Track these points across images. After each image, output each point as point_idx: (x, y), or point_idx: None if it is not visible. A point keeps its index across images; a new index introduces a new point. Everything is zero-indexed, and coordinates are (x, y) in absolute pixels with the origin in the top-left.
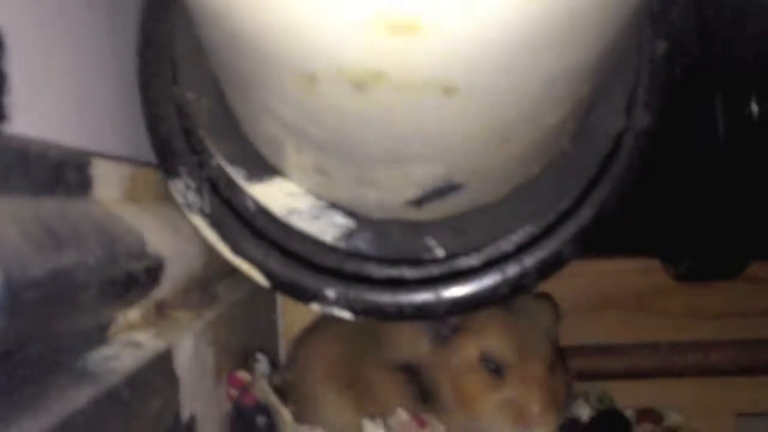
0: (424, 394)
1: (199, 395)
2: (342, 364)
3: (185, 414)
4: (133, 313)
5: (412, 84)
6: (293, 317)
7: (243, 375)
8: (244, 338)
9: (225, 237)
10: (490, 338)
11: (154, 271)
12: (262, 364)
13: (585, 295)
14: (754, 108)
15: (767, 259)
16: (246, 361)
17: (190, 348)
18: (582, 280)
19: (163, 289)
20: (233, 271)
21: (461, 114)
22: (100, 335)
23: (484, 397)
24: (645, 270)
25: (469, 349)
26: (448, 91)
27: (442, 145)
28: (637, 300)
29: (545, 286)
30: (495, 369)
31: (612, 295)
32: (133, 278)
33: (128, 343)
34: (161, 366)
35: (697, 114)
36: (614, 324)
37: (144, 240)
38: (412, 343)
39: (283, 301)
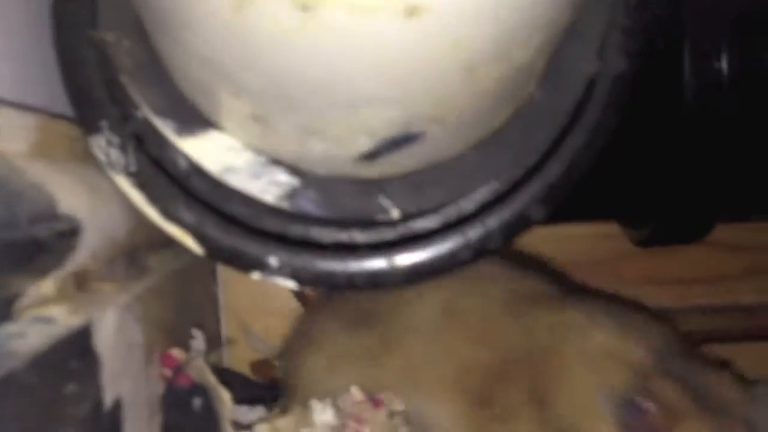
0: None
1: (126, 377)
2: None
3: (108, 398)
4: (47, 286)
5: (368, 4)
6: (235, 290)
7: (177, 354)
8: (180, 314)
9: (153, 199)
10: None
11: (68, 237)
12: (198, 341)
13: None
14: (724, 64)
15: (732, 222)
16: (182, 339)
17: (112, 324)
18: (539, 246)
19: (81, 258)
20: (167, 241)
21: (423, 41)
22: (2, 310)
23: None
24: (602, 235)
25: None
26: (411, 12)
27: (399, 81)
28: (594, 267)
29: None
30: None
31: (567, 263)
32: (41, 243)
33: (37, 320)
34: (77, 344)
35: (663, 68)
36: None
37: (54, 199)
38: (590, 417)
39: (223, 273)
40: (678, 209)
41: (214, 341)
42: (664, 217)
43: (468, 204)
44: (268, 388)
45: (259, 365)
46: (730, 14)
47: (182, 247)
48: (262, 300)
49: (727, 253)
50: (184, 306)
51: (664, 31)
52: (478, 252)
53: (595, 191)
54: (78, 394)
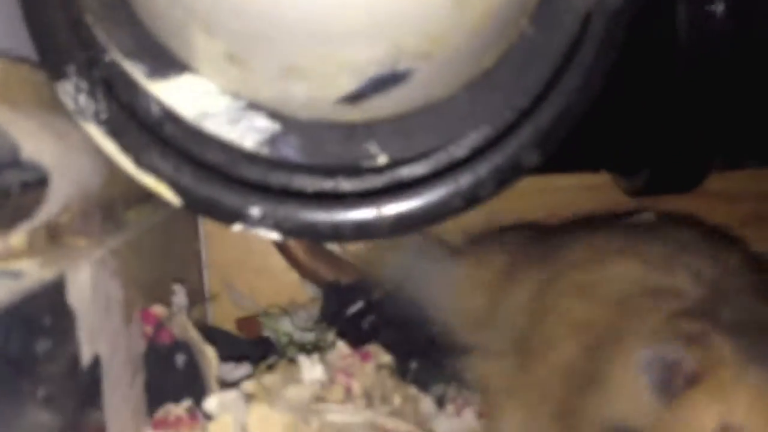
0: None
1: (104, 334)
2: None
3: (86, 356)
4: (15, 239)
5: None
6: (218, 247)
7: (158, 310)
8: (160, 270)
9: (126, 148)
10: (737, 404)
11: (34, 186)
12: (180, 296)
13: (528, 216)
14: (719, 6)
15: (727, 170)
16: (163, 296)
17: (87, 278)
18: (524, 200)
19: (51, 210)
20: (145, 195)
21: None
22: None
23: None
24: (593, 187)
25: (705, 415)
26: None
27: (385, 10)
28: None
29: (484, 206)
30: None
31: (559, 214)
32: (3, 192)
33: (5, 273)
34: (49, 299)
35: (657, 8)
36: None
37: (16, 144)
38: (631, 396)
39: (206, 229)
40: (672, 156)
41: (198, 298)
42: (658, 164)
43: (458, 150)
44: (254, 345)
45: (245, 322)
46: None
47: (161, 201)
48: (246, 257)
49: (725, 203)
50: (165, 262)
51: None
52: (470, 200)
53: (587, 139)
54: (52, 351)
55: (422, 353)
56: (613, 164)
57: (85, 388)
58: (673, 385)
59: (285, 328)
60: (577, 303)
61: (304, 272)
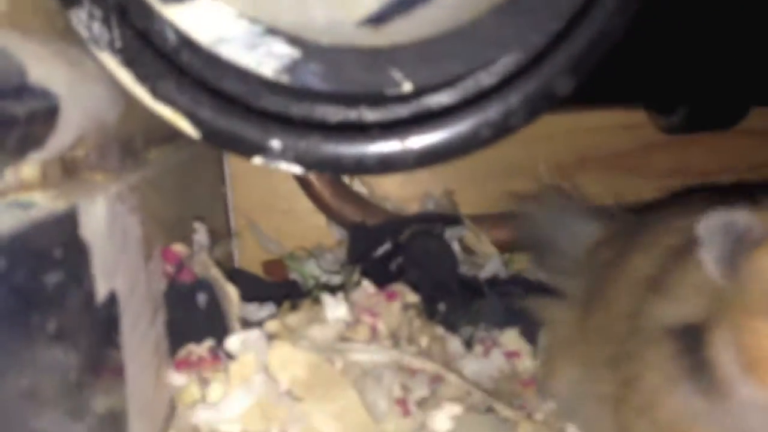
0: (696, 366)
1: (121, 270)
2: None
3: (101, 291)
4: (28, 170)
5: None
6: (244, 189)
7: (179, 248)
8: (182, 209)
9: (142, 77)
10: None
11: (44, 113)
12: (201, 234)
13: (559, 156)
14: None
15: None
16: (185, 236)
17: (102, 212)
18: (554, 140)
19: (64, 141)
20: (168, 135)
21: None
22: None
23: None
24: (626, 126)
25: None
26: None
27: None
28: (617, 159)
29: (513, 143)
30: None
31: (589, 155)
32: (11, 117)
33: (15, 204)
34: (60, 231)
35: None
36: (592, 186)
37: (23, 68)
38: (691, 291)
39: (232, 171)
40: (712, 91)
41: (223, 241)
42: (697, 100)
43: (487, 77)
44: (280, 288)
45: (271, 265)
46: None
47: (183, 141)
48: (273, 199)
49: (760, 140)
50: (187, 202)
51: None
52: (499, 131)
53: (624, 70)
54: (63, 284)
55: (450, 295)
56: (650, 100)
57: (101, 324)
58: (736, 253)
59: (311, 270)
60: (643, 258)
61: (331, 214)
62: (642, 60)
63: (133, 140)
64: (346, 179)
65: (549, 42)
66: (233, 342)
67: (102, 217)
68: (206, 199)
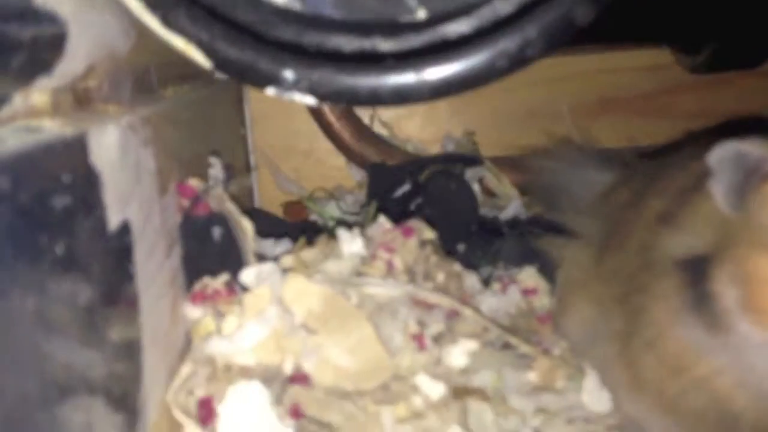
0: (700, 299)
1: (135, 201)
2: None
3: (113, 219)
4: (37, 97)
5: None
6: (264, 131)
7: (195, 183)
8: (199, 146)
9: (152, 6)
10: None
11: (50, 38)
12: (217, 168)
13: (581, 99)
14: None
15: None
16: (202, 171)
17: (114, 141)
18: (576, 82)
19: (73, 69)
20: (185, 73)
21: None
22: None
23: None
24: (650, 67)
25: None
26: None
27: None
28: (641, 102)
29: (535, 85)
30: None
31: (613, 98)
32: (16, 41)
33: (23, 129)
34: (69, 155)
35: None
36: (615, 130)
37: None
38: (700, 222)
39: (252, 112)
40: (738, 30)
41: (242, 179)
42: (723, 38)
43: (505, 5)
44: (300, 228)
45: (291, 207)
46: None
47: (202, 81)
48: (293, 141)
49: None
50: (204, 139)
51: None
52: (516, 62)
53: (647, 10)
54: (72, 209)
55: (470, 235)
56: (675, 39)
57: (114, 253)
58: (746, 185)
59: (331, 212)
60: (656, 197)
61: (351, 155)
62: None
63: (147, 74)
64: (366, 121)
65: None
66: (248, 275)
67: (113, 146)
68: (225, 139)
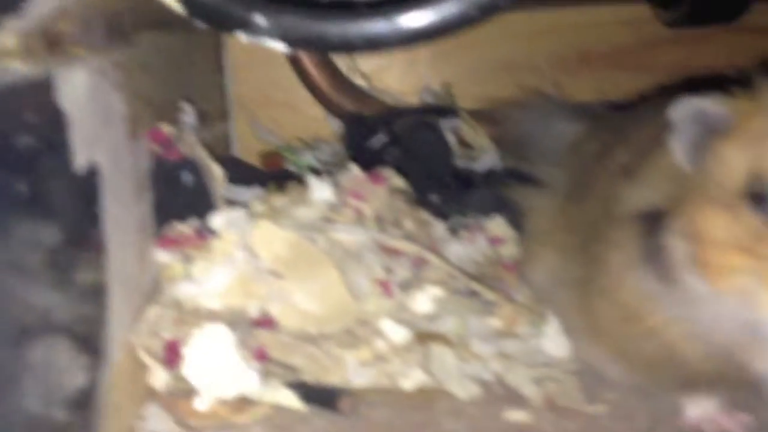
0: (653, 251)
1: (104, 145)
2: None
3: (81, 161)
4: (6, 38)
5: None
6: (243, 81)
7: (166, 129)
8: (173, 93)
9: None
10: None
11: None
12: (188, 115)
13: (560, 53)
14: None
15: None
16: (175, 118)
17: (82, 84)
18: (555, 36)
19: (46, 12)
20: (158, 20)
21: None
22: None
23: (743, 255)
24: (628, 21)
25: (733, 167)
26: None
27: None
28: (620, 56)
29: (514, 39)
30: None
31: (592, 51)
32: None
33: None
34: (34, 95)
35: None
36: (594, 84)
37: None
38: (660, 176)
39: (230, 62)
40: None
41: (218, 127)
42: None
43: None
44: (274, 176)
45: (268, 157)
46: None
47: (177, 27)
48: (271, 91)
49: (765, 36)
50: (179, 86)
51: None
52: (486, 9)
53: None
54: (37, 149)
55: (444, 186)
56: None
57: (81, 195)
58: (704, 141)
59: (308, 161)
60: (622, 149)
61: (329, 106)
62: None
63: (120, 19)
64: (345, 72)
65: None
66: (217, 220)
67: (82, 89)
68: (201, 87)
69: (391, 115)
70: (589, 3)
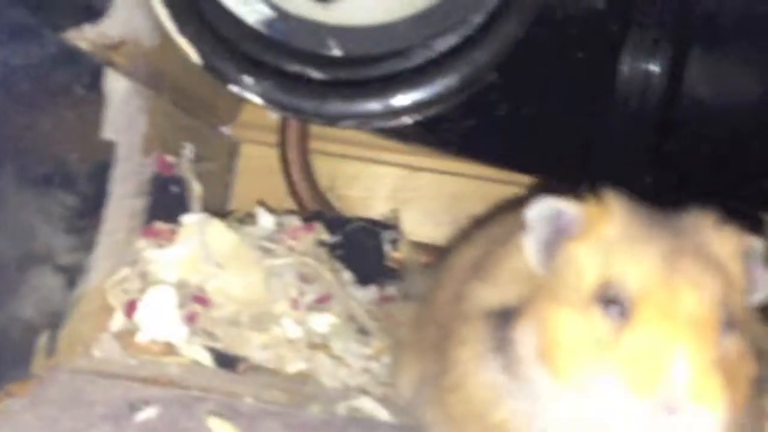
0: (500, 345)
1: (125, 138)
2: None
3: (107, 134)
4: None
5: None
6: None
7: (170, 159)
8: (183, 135)
9: (175, 17)
10: (623, 257)
11: None
12: (188, 151)
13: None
14: None
15: None
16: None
17: (122, 87)
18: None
19: (111, 28)
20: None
21: None
22: None
23: (590, 355)
24: None
25: (584, 270)
26: None
27: None
28: None
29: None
30: (620, 311)
31: None
32: None
33: None
34: (88, 73)
35: None
36: None
37: None
38: (510, 276)
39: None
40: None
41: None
42: None
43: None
44: None
45: None
46: None
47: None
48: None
49: None
50: (189, 133)
51: None
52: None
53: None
54: (81, 112)
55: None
56: None
57: (100, 160)
58: (556, 242)
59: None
60: (471, 248)
61: (300, 202)
62: None
63: (161, 80)
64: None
65: None
66: (187, 218)
67: (120, 88)
68: (205, 136)
69: (343, 220)
70: None
